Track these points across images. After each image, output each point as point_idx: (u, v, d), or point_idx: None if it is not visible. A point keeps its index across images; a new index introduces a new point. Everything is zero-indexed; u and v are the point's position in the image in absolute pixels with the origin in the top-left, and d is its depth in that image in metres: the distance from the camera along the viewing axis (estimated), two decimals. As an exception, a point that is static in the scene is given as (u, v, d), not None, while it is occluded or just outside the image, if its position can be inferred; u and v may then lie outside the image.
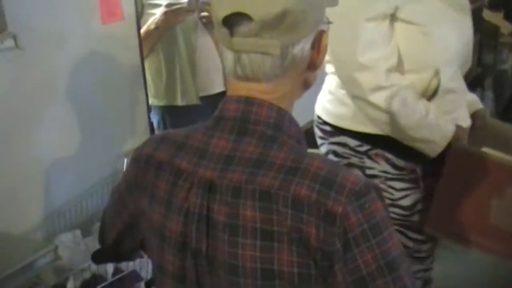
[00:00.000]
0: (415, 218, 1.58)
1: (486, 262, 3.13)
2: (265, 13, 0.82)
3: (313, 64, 0.91)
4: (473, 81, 4.37)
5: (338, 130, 1.60)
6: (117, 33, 2.04)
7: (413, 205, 1.57)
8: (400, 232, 1.58)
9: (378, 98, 1.43)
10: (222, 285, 0.88)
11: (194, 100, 2.28)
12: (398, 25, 1.44)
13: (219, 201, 0.86)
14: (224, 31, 0.86)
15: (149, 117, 2.25)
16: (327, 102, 1.64)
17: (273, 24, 0.83)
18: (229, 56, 0.87)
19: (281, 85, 0.89)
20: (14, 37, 1.46)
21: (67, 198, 1.92)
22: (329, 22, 0.92)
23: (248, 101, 0.89)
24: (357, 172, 1.30)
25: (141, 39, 2.14)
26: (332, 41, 1.42)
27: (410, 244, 1.61)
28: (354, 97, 1.49)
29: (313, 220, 0.81)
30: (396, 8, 1.42)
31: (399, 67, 1.45)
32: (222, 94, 2.35)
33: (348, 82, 1.48)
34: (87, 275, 1.62)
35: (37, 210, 1.83)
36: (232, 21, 0.85)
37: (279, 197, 0.82)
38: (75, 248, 1.73)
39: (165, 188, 0.92)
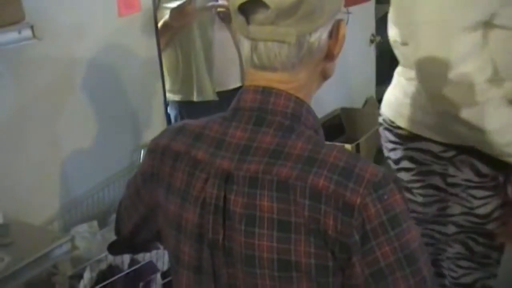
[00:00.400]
0: (490, 226, 1.50)
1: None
2: (281, 0, 0.81)
3: (331, 54, 0.89)
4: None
5: (418, 136, 1.49)
6: (134, 25, 2.05)
7: (490, 213, 1.48)
8: (470, 238, 1.52)
9: (470, 114, 1.31)
10: (239, 276, 0.87)
11: (211, 96, 2.27)
12: (493, 32, 1.33)
13: (236, 192, 0.86)
14: (241, 19, 0.86)
15: (166, 110, 2.26)
16: (404, 107, 1.53)
17: (289, 12, 0.82)
18: (246, 44, 0.87)
19: (298, 75, 0.88)
20: (32, 28, 1.47)
21: (84, 189, 1.93)
22: (348, 13, 0.91)
23: (266, 91, 0.88)
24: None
25: (158, 31, 2.15)
26: (422, 53, 1.32)
27: (478, 248, 1.54)
28: (443, 112, 1.38)
29: (331, 211, 0.80)
30: (493, 15, 1.31)
31: (494, 76, 1.34)
32: (239, 89, 2.34)
33: (437, 98, 1.35)
34: (103, 265, 1.62)
35: (54, 201, 1.85)
36: (249, 8, 0.84)
37: (297, 187, 0.81)
38: (91, 239, 1.74)
39: (181, 178, 0.92)
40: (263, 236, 0.83)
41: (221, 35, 2.27)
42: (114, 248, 1.20)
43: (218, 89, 2.28)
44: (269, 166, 0.84)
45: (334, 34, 0.88)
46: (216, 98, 2.27)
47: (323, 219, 0.80)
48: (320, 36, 0.86)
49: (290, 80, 0.88)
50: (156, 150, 0.97)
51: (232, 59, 2.30)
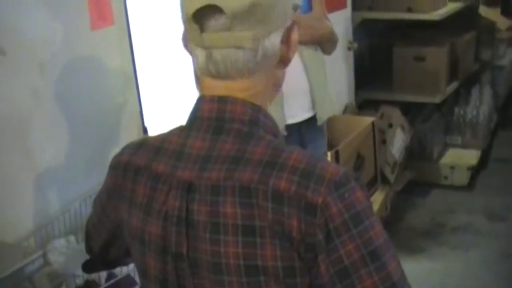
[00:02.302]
0: None
1: (487, 259, 3.14)
2: (236, 5, 0.82)
3: (284, 59, 0.91)
4: (471, 77, 4.37)
5: None
6: (108, 38, 2.04)
7: None
8: None
9: None
10: (206, 286, 0.87)
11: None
12: None
13: (199, 201, 0.86)
14: (194, 27, 0.86)
15: (143, 123, 2.25)
16: None
17: (244, 17, 0.83)
18: (200, 54, 0.87)
19: (255, 82, 0.89)
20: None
21: (60, 204, 1.91)
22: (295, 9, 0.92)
23: (222, 99, 0.88)
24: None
25: (132, 45, 2.14)
26: None
27: None
28: None
29: (294, 213, 0.81)
30: None
31: None
32: (311, 119, 2.31)
33: None
34: (80, 281, 1.61)
35: (29, 216, 1.83)
36: (203, 15, 0.84)
37: (259, 191, 0.82)
38: (68, 254, 1.73)
39: (143, 193, 0.92)
40: (229, 243, 0.83)
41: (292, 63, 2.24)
42: (88, 267, 1.20)
43: (289, 121, 2.23)
44: (230, 172, 0.84)
45: (287, 39, 0.90)
46: (285, 133, 2.19)
47: (287, 221, 0.81)
48: (273, 41, 0.87)
49: (246, 88, 0.89)
50: (118, 166, 0.97)
51: (301, 84, 2.27)
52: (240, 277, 0.84)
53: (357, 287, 0.81)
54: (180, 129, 0.93)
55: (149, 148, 0.94)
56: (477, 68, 4.48)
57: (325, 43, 2.36)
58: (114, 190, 0.98)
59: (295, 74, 2.25)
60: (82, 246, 1.78)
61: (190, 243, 0.87)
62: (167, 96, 2.42)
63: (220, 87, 0.89)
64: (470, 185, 3.91)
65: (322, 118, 2.35)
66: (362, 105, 4.01)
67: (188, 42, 0.90)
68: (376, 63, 4.20)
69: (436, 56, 3.85)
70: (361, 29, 3.82)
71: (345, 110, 3.72)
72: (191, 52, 0.89)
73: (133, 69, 2.16)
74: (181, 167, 0.88)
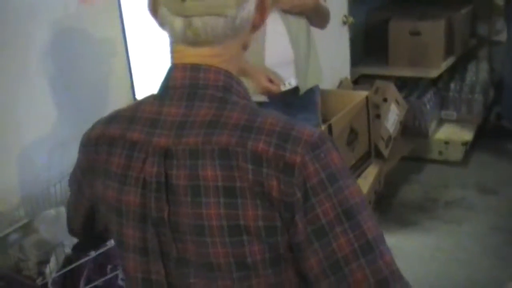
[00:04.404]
0: None
1: (479, 232, 3.16)
2: None
3: (255, 25, 0.92)
4: (468, 53, 4.35)
5: None
6: (98, 10, 2.02)
7: None
8: None
9: None
10: (189, 249, 0.88)
11: (259, 97, 2.19)
12: None
13: (177, 166, 0.86)
14: None
15: (133, 96, 2.24)
16: None
17: None
18: (178, 22, 0.86)
19: (230, 47, 0.90)
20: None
21: (50, 176, 1.92)
22: None
23: (195, 67, 0.89)
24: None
25: (122, 16, 2.12)
26: None
27: None
28: None
29: (273, 173, 0.82)
30: None
31: None
32: (294, 90, 2.31)
33: None
34: (69, 250, 1.62)
35: (20, 187, 1.84)
36: None
37: (238, 153, 0.83)
38: (58, 225, 1.74)
39: (118, 162, 0.92)
40: (210, 205, 0.84)
41: (274, 29, 2.21)
42: (78, 249, 1.21)
43: None
44: (207, 136, 0.85)
45: (260, 6, 0.91)
46: (266, 100, 2.20)
47: (266, 182, 0.83)
48: (250, 7, 0.88)
49: (221, 53, 0.90)
50: (88, 143, 0.97)
51: (285, 55, 2.26)
52: (223, 238, 0.85)
53: (333, 245, 0.83)
54: (152, 97, 0.93)
55: (122, 119, 0.94)
56: (474, 43, 4.46)
57: (312, 15, 2.34)
58: (87, 167, 0.98)
59: (280, 44, 2.25)
60: (72, 216, 1.81)
61: (171, 208, 0.87)
62: (158, 67, 2.41)
63: (192, 55, 0.89)
64: (464, 161, 3.92)
65: (303, 88, 2.35)
66: (358, 80, 4.00)
67: (159, 10, 0.89)
68: (372, 37, 4.18)
69: (432, 31, 3.83)
70: (357, 3, 3.79)
71: (340, 85, 3.72)
72: (162, 20, 0.89)
73: (123, 40, 2.15)
74: (157, 134, 0.89)
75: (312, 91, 2.41)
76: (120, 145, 0.92)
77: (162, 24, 0.90)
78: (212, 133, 0.85)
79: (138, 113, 0.92)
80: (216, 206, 0.84)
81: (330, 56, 3.53)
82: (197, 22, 0.86)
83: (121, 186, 0.91)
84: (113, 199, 0.93)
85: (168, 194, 0.87)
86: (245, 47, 0.95)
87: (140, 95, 2.31)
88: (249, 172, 0.83)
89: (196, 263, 0.88)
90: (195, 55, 0.89)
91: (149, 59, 2.38)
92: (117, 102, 2.13)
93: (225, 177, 0.83)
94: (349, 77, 3.84)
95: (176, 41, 0.90)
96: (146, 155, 0.89)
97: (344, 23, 3.65)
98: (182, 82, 0.89)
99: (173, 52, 0.92)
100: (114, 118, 0.96)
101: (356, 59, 3.96)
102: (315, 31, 2.45)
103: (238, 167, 0.83)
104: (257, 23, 0.92)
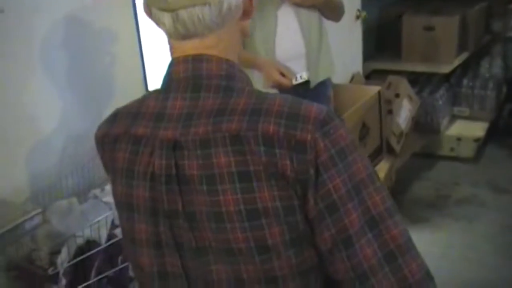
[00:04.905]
0: None
1: (491, 231, 3.14)
2: None
3: (247, 12, 0.93)
4: (482, 49, 4.31)
5: None
6: (111, 3, 2.02)
7: None
8: None
9: None
10: (208, 236, 0.88)
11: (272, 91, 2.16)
12: None
13: (188, 157, 0.86)
14: None
15: (146, 87, 2.24)
16: None
17: None
18: (167, 18, 0.87)
19: (222, 36, 0.91)
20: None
21: (62, 167, 1.93)
22: None
23: (196, 58, 0.90)
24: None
25: (136, 8, 2.12)
26: None
27: None
28: None
29: (286, 153, 0.83)
30: None
31: None
32: (305, 83, 2.31)
33: None
34: (80, 241, 1.63)
35: (33, 177, 1.85)
36: None
37: (250, 137, 0.84)
38: (70, 215, 1.75)
39: (123, 158, 0.92)
40: (227, 191, 0.85)
41: (285, 22, 2.21)
42: None
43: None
44: (217, 124, 0.86)
45: None
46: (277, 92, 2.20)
47: (280, 162, 0.83)
48: None
49: (216, 44, 0.90)
50: (97, 142, 0.99)
51: (297, 48, 2.25)
52: (242, 222, 0.85)
53: (344, 220, 0.84)
54: (156, 92, 0.93)
55: (126, 116, 0.94)
56: (488, 39, 4.42)
57: (324, 8, 2.33)
58: (104, 166, 1.00)
59: (292, 38, 2.24)
60: (84, 207, 1.81)
61: (184, 199, 0.88)
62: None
63: (190, 48, 0.90)
64: (476, 157, 3.90)
65: (314, 81, 2.34)
66: (370, 75, 3.98)
67: (152, 11, 0.90)
68: (384, 32, 4.15)
69: (446, 26, 3.80)
70: (371, -3, 3.77)
71: (352, 79, 3.70)
72: (155, 19, 0.90)
73: (136, 34, 2.15)
74: (163, 127, 0.89)
75: (324, 84, 2.41)
76: (124, 140, 0.92)
77: (156, 23, 0.91)
78: (221, 121, 0.86)
79: (143, 109, 0.93)
80: (233, 191, 0.84)
81: (342, 51, 3.51)
82: (183, 14, 0.86)
83: (129, 181, 0.92)
84: (122, 195, 0.94)
85: (180, 185, 0.87)
86: (244, 34, 0.96)
87: (152, 88, 2.31)
88: (262, 155, 0.83)
89: (216, 249, 0.88)
90: (191, 47, 0.90)
91: (161, 53, 2.38)
92: (130, 96, 2.14)
93: (239, 162, 0.84)
94: (361, 72, 3.82)
95: (170, 38, 0.91)
96: (153, 148, 0.89)
97: (357, 17, 3.63)
98: (185, 74, 0.90)
99: (170, 47, 0.93)
100: (118, 115, 0.96)
101: (368, 54, 3.93)
102: (327, 25, 2.44)
103: (250, 151, 0.84)
104: (248, 9, 0.93)
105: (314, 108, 0.86)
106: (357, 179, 0.85)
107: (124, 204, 0.94)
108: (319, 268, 0.89)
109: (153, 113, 0.91)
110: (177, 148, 0.87)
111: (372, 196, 0.85)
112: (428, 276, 0.88)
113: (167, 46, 0.93)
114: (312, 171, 0.83)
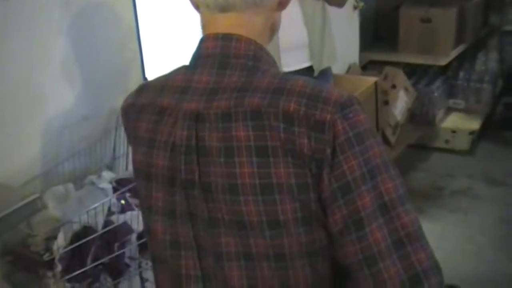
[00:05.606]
0: None
1: (486, 223, 3.15)
2: None
3: (282, 3, 0.95)
4: (478, 42, 4.31)
5: None
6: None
7: None
8: None
9: None
10: (221, 208, 0.89)
11: None
12: None
13: (209, 129, 0.88)
14: None
15: (144, 73, 2.23)
16: None
17: None
18: None
19: (255, 18, 0.93)
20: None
21: (59, 152, 1.91)
22: None
23: (226, 37, 0.91)
24: None
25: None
26: None
27: None
28: None
29: (304, 131, 0.84)
30: None
31: None
32: (308, 69, 2.30)
33: None
34: (77, 227, 1.62)
35: (29, 164, 1.84)
36: None
37: (270, 113, 0.85)
38: (66, 201, 1.74)
39: (146, 127, 0.94)
40: (243, 164, 0.86)
41: (288, 11, 2.20)
42: None
43: (285, 69, 2.20)
44: (239, 99, 0.87)
45: None
46: None
47: (298, 140, 0.84)
48: None
49: (247, 23, 0.92)
50: (122, 113, 1.01)
51: (300, 37, 2.24)
52: (256, 196, 0.86)
53: (357, 203, 0.85)
54: (184, 67, 0.95)
55: (153, 89, 0.97)
56: (485, 32, 4.42)
57: None
58: (127, 137, 1.02)
59: (294, 27, 2.23)
60: (80, 193, 1.80)
61: (201, 169, 0.89)
62: (169, 49, 2.40)
63: (222, 25, 0.92)
64: (471, 150, 3.91)
65: (318, 68, 2.33)
66: (366, 66, 3.97)
67: None
68: (381, 23, 4.14)
69: (443, 18, 3.79)
70: (368, -12, 3.76)
71: (349, 70, 3.69)
72: None
73: (135, 23, 2.14)
74: (187, 99, 0.91)
75: (325, 73, 2.40)
76: (149, 111, 0.95)
77: None
78: (244, 96, 0.87)
79: (170, 82, 0.95)
80: (249, 165, 0.86)
81: (339, 41, 3.48)
82: None
83: (149, 150, 0.94)
84: (142, 163, 0.96)
85: (199, 156, 0.89)
86: (273, 28, 0.98)
87: (149, 75, 2.30)
88: (281, 131, 0.84)
89: (228, 222, 0.89)
90: (223, 24, 0.91)
91: (158, 42, 2.37)
92: (128, 83, 2.13)
93: (257, 136, 0.85)
94: (358, 62, 3.81)
95: (208, 8, 0.92)
96: (176, 119, 0.91)
97: (355, 8, 3.62)
98: (213, 51, 0.91)
99: (203, 23, 0.95)
100: (145, 87, 0.99)
101: (365, 45, 3.92)
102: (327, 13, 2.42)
103: (270, 126, 0.85)
104: (284, 0, 0.95)
105: (336, 91, 0.87)
106: (372, 164, 0.86)
107: (143, 173, 0.96)
108: (328, 252, 0.90)
109: (179, 86, 0.93)
110: (199, 120, 0.89)
111: (386, 182, 0.86)
112: (436, 267, 0.88)
113: (199, 24, 0.95)
114: (328, 151, 0.84)
